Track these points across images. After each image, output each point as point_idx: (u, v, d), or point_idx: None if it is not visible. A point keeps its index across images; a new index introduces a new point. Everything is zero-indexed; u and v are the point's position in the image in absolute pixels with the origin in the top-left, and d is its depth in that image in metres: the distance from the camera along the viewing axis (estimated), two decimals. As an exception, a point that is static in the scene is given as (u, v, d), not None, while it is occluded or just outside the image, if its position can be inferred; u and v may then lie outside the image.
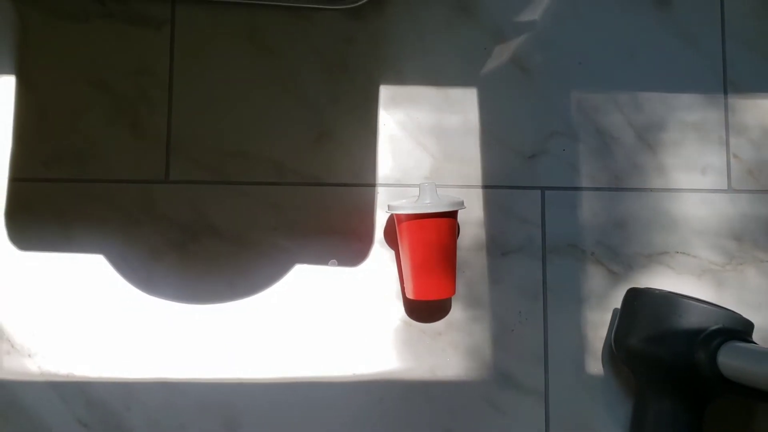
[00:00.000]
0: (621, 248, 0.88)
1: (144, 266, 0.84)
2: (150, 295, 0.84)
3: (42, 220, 0.84)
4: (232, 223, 0.85)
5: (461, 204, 0.81)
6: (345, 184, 0.87)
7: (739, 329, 0.76)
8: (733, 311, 0.77)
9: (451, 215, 0.80)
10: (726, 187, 0.90)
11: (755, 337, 0.80)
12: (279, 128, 0.87)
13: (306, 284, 0.85)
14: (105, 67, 0.86)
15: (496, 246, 0.87)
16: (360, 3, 0.86)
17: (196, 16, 0.88)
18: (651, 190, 0.90)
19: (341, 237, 0.86)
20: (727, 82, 0.92)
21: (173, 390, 0.83)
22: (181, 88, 0.87)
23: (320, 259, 0.85)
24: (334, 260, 0.85)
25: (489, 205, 0.88)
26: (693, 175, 0.90)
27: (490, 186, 0.88)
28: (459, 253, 0.86)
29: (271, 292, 0.84)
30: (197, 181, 0.85)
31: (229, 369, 0.83)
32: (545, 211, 0.88)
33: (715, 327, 0.74)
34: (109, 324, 0.83)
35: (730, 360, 0.71)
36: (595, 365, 0.87)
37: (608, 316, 0.87)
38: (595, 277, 0.88)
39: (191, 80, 0.87)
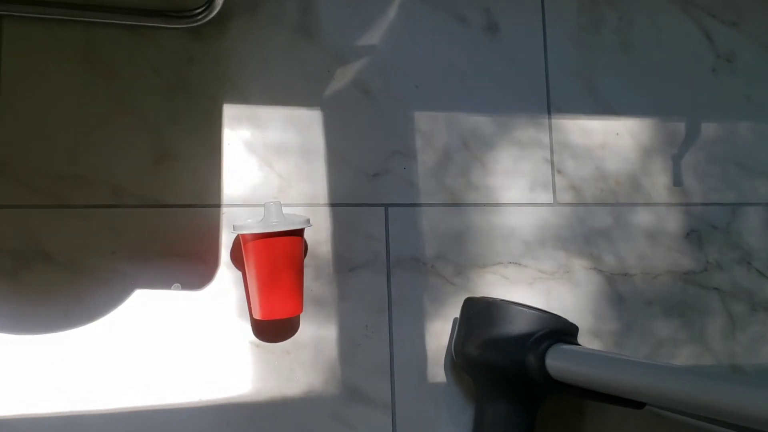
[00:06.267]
0: (459, 260, 0.93)
1: (-32, 298, 0.79)
2: (-23, 328, 0.78)
3: None
4: (66, 248, 0.81)
5: (307, 222, 0.82)
6: (189, 206, 0.85)
7: (566, 332, 0.82)
8: (559, 316, 0.83)
9: (298, 233, 0.81)
10: (552, 201, 0.98)
11: (580, 339, 0.86)
12: (116, 149, 0.84)
13: (148, 310, 0.83)
14: None
15: (343, 263, 0.89)
16: (199, 23, 0.86)
17: (26, 32, 0.84)
18: (485, 205, 0.95)
19: (185, 260, 0.84)
20: (551, 104, 1.00)
21: (3, 428, 0.78)
22: (9, 107, 0.82)
23: (163, 283, 0.83)
24: (178, 284, 0.84)
25: (335, 223, 0.90)
26: (522, 190, 0.97)
27: (335, 204, 0.90)
28: (306, 271, 0.87)
29: (109, 318, 0.81)
30: (27, 205, 0.81)
31: (66, 402, 0.79)
32: (389, 228, 0.91)
33: (543, 331, 0.80)
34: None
35: (556, 362, 0.77)
36: (438, 374, 0.90)
37: (449, 326, 0.92)
38: (436, 289, 0.92)
39: (20, 99, 0.83)
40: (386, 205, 0.92)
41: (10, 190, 0.81)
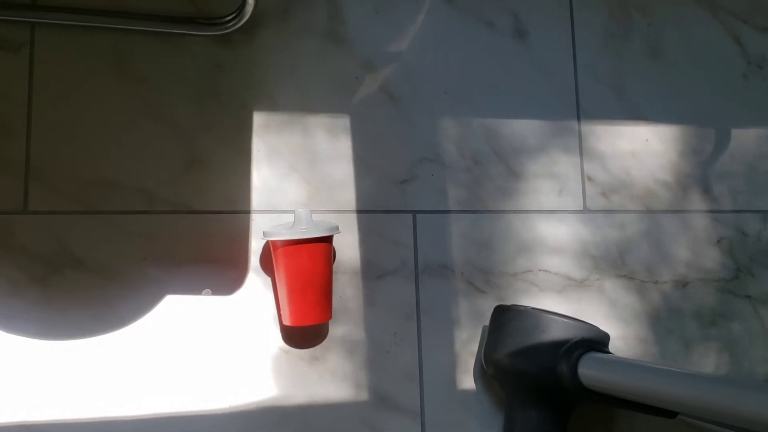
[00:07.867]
0: (488, 267, 0.93)
1: (2, 303, 0.79)
2: (9, 333, 0.79)
3: None
4: (98, 254, 0.82)
5: (336, 229, 0.82)
6: (219, 212, 0.86)
7: (597, 341, 0.81)
8: (591, 324, 0.82)
9: (327, 240, 0.81)
10: (582, 208, 0.97)
11: (611, 347, 0.85)
12: (148, 156, 0.85)
13: (179, 315, 0.83)
14: (-44, 91, 0.82)
15: (371, 269, 0.89)
16: (230, 30, 0.86)
17: (58, 39, 0.85)
18: (514, 211, 0.95)
19: (216, 265, 0.85)
20: (580, 110, 0.99)
21: (34, 434, 0.78)
22: (42, 114, 0.83)
23: (194, 288, 0.84)
24: (208, 289, 0.84)
25: (363, 230, 0.90)
26: (551, 197, 0.96)
27: (363, 211, 0.90)
28: (335, 278, 0.87)
29: (141, 324, 0.82)
30: (59, 211, 0.82)
31: (97, 407, 0.80)
32: (417, 234, 0.91)
33: (575, 339, 0.79)
34: (-40, 367, 0.78)
35: (589, 370, 0.76)
36: (467, 381, 0.90)
37: (478, 333, 0.91)
38: (465, 296, 0.91)
39: (53, 106, 0.83)
40: (414, 212, 0.91)
41: (41, 196, 0.82)
